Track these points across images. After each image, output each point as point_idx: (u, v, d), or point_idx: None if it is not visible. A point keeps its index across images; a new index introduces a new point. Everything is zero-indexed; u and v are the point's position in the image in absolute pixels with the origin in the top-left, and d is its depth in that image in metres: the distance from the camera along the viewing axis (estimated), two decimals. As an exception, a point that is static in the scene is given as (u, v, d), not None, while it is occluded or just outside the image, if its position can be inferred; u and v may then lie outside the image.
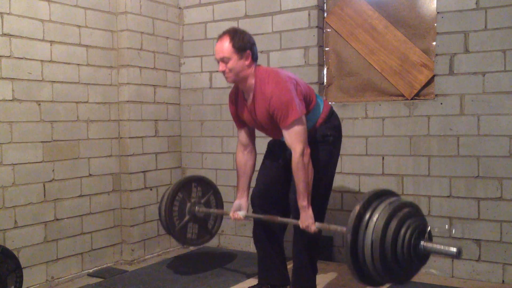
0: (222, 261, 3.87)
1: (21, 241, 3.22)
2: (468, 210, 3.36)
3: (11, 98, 3.17)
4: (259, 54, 2.90)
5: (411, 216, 2.32)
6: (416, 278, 3.39)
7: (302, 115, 2.69)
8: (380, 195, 2.41)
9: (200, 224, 3.48)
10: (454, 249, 2.27)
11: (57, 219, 3.46)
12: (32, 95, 3.29)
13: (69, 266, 3.55)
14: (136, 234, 3.97)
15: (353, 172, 3.74)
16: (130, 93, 3.91)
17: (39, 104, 3.34)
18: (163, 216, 3.36)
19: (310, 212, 2.70)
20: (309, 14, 3.82)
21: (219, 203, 3.59)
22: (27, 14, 3.25)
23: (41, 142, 3.35)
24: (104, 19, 3.80)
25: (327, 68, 3.90)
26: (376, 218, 2.28)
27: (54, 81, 3.44)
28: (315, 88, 3.76)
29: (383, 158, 3.63)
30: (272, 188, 3.01)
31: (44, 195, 3.37)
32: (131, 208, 3.92)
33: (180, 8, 4.40)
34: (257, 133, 3.06)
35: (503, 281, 3.26)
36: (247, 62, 2.76)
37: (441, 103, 3.42)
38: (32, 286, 3.29)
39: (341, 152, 3.72)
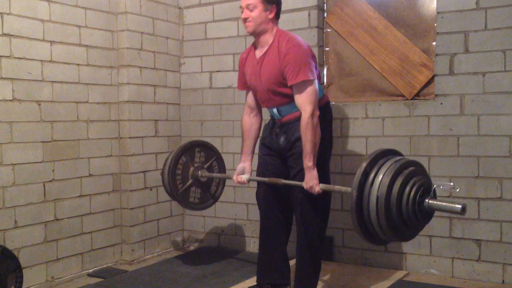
0: (222, 261, 3.87)
1: (21, 241, 3.22)
2: (468, 210, 3.34)
3: (11, 98, 3.17)
4: None
5: (416, 174, 2.34)
6: (416, 278, 3.41)
7: (315, 80, 2.75)
8: (386, 154, 2.43)
9: (202, 188, 3.48)
10: (459, 206, 2.26)
11: (57, 219, 3.46)
12: (32, 95, 3.30)
13: (69, 266, 3.55)
14: (136, 234, 3.97)
15: (353, 172, 3.73)
16: (130, 93, 3.91)
17: (39, 104, 3.34)
18: (166, 180, 3.35)
19: (315, 172, 2.71)
20: (309, 14, 3.82)
21: (222, 169, 3.60)
22: (27, 14, 3.25)
23: (41, 142, 3.35)
24: (104, 19, 3.80)
25: (327, 68, 3.90)
26: (382, 175, 2.29)
27: (54, 81, 3.44)
28: (315, 88, 3.76)
29: (383, 158, 3.63)
30: (275, 187, 3.01)
31: (44, 195, 3.37)
32: (131, 208, 3.92)
33: (180, 8, 4.40)
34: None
35: (503, 281, 3.26)
36: (270, 16, 2.82)
37: (441, 103, 3.42)
38: (32, 286, 3.29)
39: (341, 152, 3.74)
